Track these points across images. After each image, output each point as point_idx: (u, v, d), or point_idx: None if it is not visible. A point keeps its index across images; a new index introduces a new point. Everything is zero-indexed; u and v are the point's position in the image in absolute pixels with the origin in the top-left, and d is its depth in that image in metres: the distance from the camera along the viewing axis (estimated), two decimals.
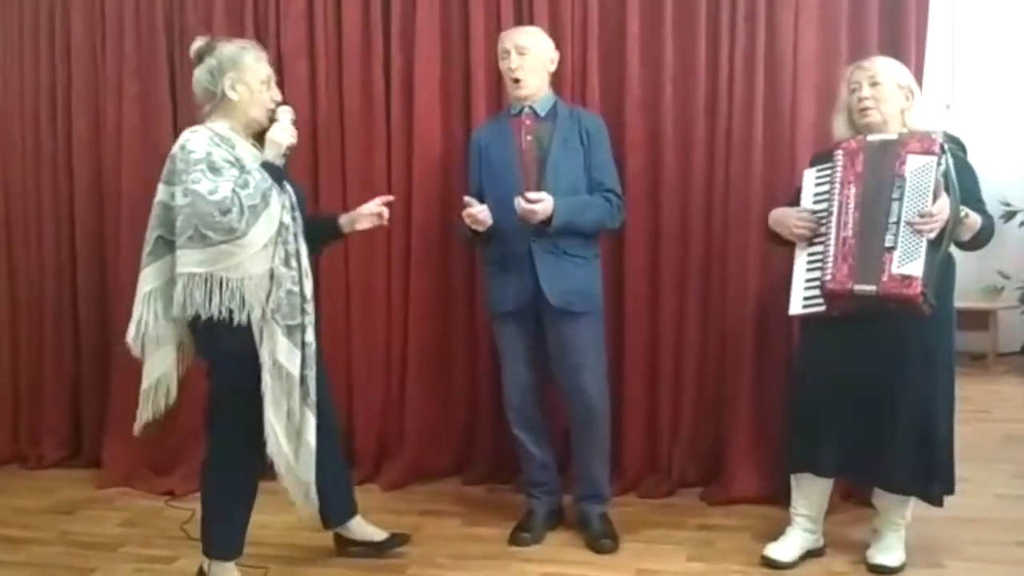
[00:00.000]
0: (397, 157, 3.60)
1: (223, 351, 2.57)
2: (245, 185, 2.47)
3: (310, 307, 2.59)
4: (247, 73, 2.60)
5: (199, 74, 2.63)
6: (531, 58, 3.01)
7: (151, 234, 2.62)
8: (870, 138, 2.71)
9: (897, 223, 2.59)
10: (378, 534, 2.95)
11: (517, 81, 3.00)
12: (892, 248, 2.59)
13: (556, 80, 3.35)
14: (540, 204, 2.84)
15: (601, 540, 3.02)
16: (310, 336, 2.58)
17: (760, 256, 3.36)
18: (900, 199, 2.60)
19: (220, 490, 2.64)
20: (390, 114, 3.59)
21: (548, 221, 2.87)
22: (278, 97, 2.69)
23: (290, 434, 2.57)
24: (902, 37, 3.26)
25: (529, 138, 3.04)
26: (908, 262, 2.56)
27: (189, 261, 2.49)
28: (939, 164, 2.58)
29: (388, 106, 3.59)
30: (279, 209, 2.52)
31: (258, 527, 2.94)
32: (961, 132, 2.79)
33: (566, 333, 3.01)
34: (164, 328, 2.62)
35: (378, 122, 3.60)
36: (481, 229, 2.94)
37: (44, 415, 3.96)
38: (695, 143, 3.42)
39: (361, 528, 2.96)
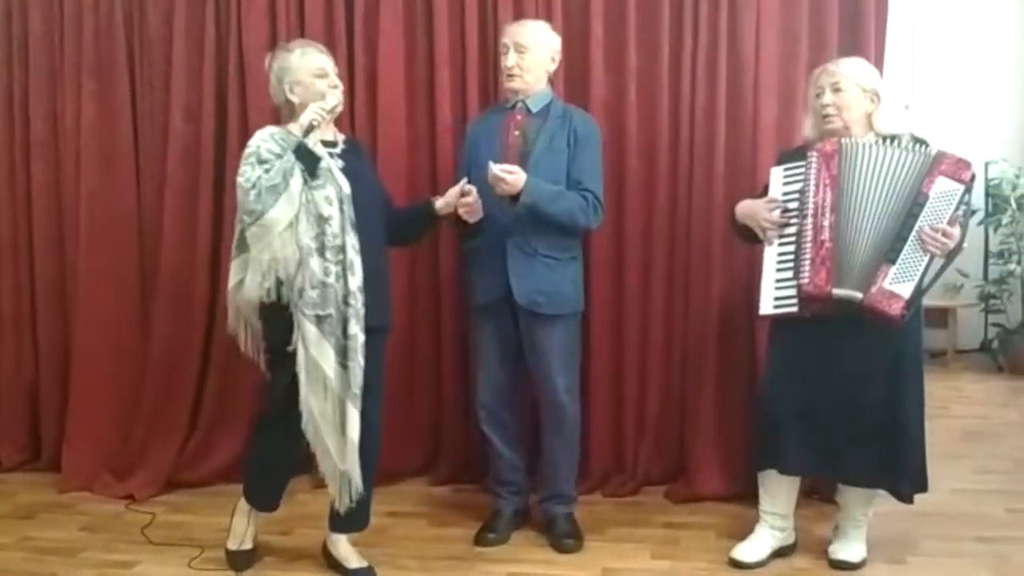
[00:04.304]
0: None
1: (272, 332, 2.68)
2: (269, 169, 2.57)
3: (354, 300, 2.60)
4: (297, 72, 2.72)
5: (271, 85, 2.79)
6: (529, 56, 2.99)
7: (236, 227, 2.72)
8: (845, 141, 2.68)
9: (904, 239, 2.59)
10: (353, 562, 2.84)
11: (511, 77, 2.99)
12: (892, 262, 2.59)
13: None
14: (512, 176, 2.81)
15: (564, 540, 3.02)
16: (353, 329, 2.60)
17: (723, 256, 3.39)
18: (916, 216, 2.59)
19: (257, 450, 2.82)
20: (354, 112, 3.56)
21: (517, 198, 2.85)
22: (335, 83, 2.76)
23: (329, 426, 2.63)
24: (862, 40, 3.30)
25: (517, 133, 3.01)
26: (901, 281, 2.57)
27: (239, 249, 2.68)
28: (965, 193, 2.58)
29: (352, 104, 3.56)
30: (300, 188, 2.57)
31: (221, 530, 2.95)
32: (920, 132, 2.79)
33: (536, 335, 2.99)
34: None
35: (342, 120, 3.55)
36: (472, 220, 2.89)
37: (2, 419, 3.88)
38: (659, 146, 3.44)
39: (342, 548, 2.88)
